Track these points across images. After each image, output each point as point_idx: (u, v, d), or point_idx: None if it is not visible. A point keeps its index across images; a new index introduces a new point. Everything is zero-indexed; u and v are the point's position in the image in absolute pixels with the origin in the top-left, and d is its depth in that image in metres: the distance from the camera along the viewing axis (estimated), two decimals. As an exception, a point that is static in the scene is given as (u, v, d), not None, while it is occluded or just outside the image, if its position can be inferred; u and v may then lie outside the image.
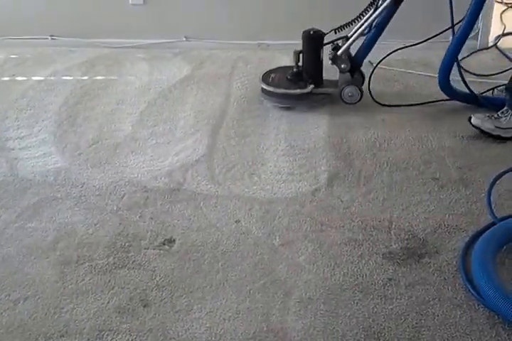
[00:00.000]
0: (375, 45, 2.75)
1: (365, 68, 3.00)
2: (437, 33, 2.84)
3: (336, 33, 2.76)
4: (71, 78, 3.17)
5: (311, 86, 2.74)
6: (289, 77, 2.81)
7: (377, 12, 2.60)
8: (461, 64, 3.15)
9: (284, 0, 3.37)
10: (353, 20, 2.71)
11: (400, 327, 1.62)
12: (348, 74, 2.73)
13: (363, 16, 2.68)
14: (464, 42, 2.52)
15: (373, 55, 3.14)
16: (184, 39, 3.53)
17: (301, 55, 2.75)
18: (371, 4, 2.65)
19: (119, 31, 3.51)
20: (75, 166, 2.39)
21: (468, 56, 3.24)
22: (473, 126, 2.49)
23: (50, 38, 3.55)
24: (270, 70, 2.92)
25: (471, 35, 3.32)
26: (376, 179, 2.25)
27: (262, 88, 2.82)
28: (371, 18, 2.62)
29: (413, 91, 2.92)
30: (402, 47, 2.89)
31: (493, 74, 2.99)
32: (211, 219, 2.06)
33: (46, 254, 1.91)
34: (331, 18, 3.34)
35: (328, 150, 2.44)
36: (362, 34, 2.69)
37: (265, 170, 2.33)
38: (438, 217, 2.03)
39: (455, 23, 2.50)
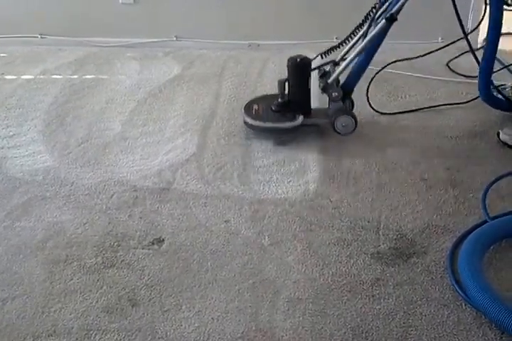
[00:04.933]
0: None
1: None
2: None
3: (322, 57, 2.53)
4: (60, 77, 3.16)
5: (301, 117, 2.47)
6: (274, 108, 2.51)
7: (370, 35, 2.35)
8: (450, 65, 3.20)
9: (274, 0, 3.38)
10: (341, 44, 2.51)
11: (387, 326, 1.63)
12: (340, 102, 2.48)
13: (351, 39, 2.48)
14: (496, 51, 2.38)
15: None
16: (174, 38, 3.53)
17: (286, 84, 2.48)
18: (359, 26, 2.46)
19: (109, 30, 3.50)
20: (64, 165, 2.38)
21: (457, 57, 3.25)
22: (501, 141, 2.44)
23: (39, 36, 3.54)
24: (252, 100, 2.64)
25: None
26: (365, 179, 2.26)
27: (246, 121, 2.54)
28: (364, 42, 2.37)
29: (402, 91, 2.93)
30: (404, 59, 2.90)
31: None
32: (200, 218, 2.06)
33: (35, 253, 1.91)
34: (322, 17, 3.39)
35: (317, 150, 2.45)
36: (353, 60, 2.43)
37: (255, 170, 2.34)
38: (426, 218, 2.05)
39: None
